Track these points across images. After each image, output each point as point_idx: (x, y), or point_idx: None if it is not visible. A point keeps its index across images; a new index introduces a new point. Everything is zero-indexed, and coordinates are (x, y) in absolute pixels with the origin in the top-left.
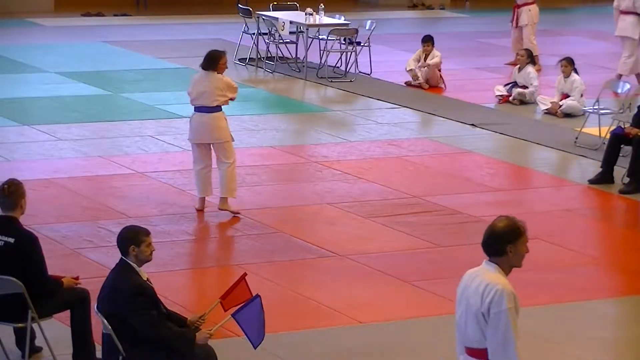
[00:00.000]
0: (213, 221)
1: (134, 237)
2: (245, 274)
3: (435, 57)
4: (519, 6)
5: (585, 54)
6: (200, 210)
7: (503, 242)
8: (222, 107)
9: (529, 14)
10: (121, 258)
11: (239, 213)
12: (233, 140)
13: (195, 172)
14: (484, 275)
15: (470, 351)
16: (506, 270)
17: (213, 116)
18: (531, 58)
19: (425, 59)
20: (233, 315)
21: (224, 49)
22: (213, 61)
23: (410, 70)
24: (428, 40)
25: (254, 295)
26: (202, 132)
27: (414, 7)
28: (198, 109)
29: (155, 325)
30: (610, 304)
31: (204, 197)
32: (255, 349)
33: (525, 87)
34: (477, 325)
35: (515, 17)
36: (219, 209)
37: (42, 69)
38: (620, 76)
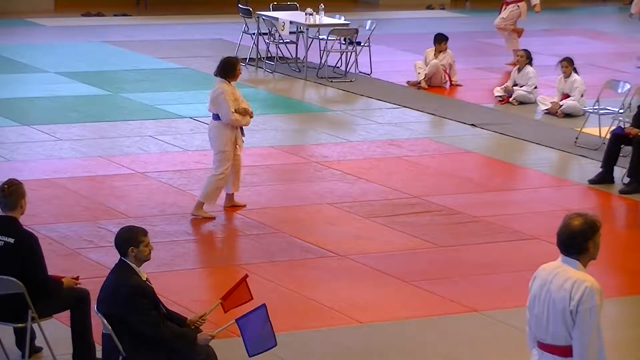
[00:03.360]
0: (213, 221)
1: (132, 237)
2: (246, 276)
3: (447, 56)
4: (507, 3)
5: (585, 54)
6: (227, 207)
7: (584, 240)
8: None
9: (516, 11)
10: (120, 258)
11: (213, 218)
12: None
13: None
14: (567, 272)
15: (548, 347)
16: (585, 264)
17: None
18: (530, 58)
19: (435, 57)
20: (237, 320)
21: (225, 50)
22: (224, 69)
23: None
24: (441, 40)
25: (253, 299)
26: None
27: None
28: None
29: (155, 325)
30: (610, 304)
31: (232, 194)
32: (249, 356)
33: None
34: (562, 322)
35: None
36: (192, 214)
37: (42, 69)
38: None
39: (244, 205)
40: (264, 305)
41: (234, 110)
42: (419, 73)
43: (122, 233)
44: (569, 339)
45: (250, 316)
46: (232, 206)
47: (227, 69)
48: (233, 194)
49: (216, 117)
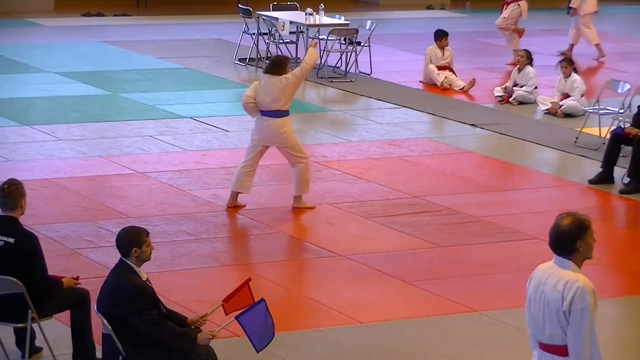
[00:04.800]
0: (213, 221)
1: (135, 238)
2: (249, 279)
3: (450, 54)
4: (508, 3)
5: (585, 54)
6: (231, 208)
7: (573, 240)
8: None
9: (516, 10)
10: (120, 259)
11: (313, 207)
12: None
13: (239, 168)
14: (560, 272)
15: (546, 347)
16: (579, 264)
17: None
18: (530, 58)
19: (442, 54)
20: (237, 317)
21: (225, 50)
22: (279, 66)
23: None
24: (442, 36)
25: (256, 301)
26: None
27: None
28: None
29: (155, 325)
30: (610, 304)
31: (237, 193)
32: (257, 352)
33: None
34: (557, 322)
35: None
36: (294, 207)
37: (42, 69)
38: None
39: (244, 206)
40: (263, 300)
41: None
42: (438, 74)
43: (125, 234)
44: (566, 338)
45: (250, 312)
46: (233, 207)
47: (279, 67)
48: (238, 193)
49: (276, 113)
